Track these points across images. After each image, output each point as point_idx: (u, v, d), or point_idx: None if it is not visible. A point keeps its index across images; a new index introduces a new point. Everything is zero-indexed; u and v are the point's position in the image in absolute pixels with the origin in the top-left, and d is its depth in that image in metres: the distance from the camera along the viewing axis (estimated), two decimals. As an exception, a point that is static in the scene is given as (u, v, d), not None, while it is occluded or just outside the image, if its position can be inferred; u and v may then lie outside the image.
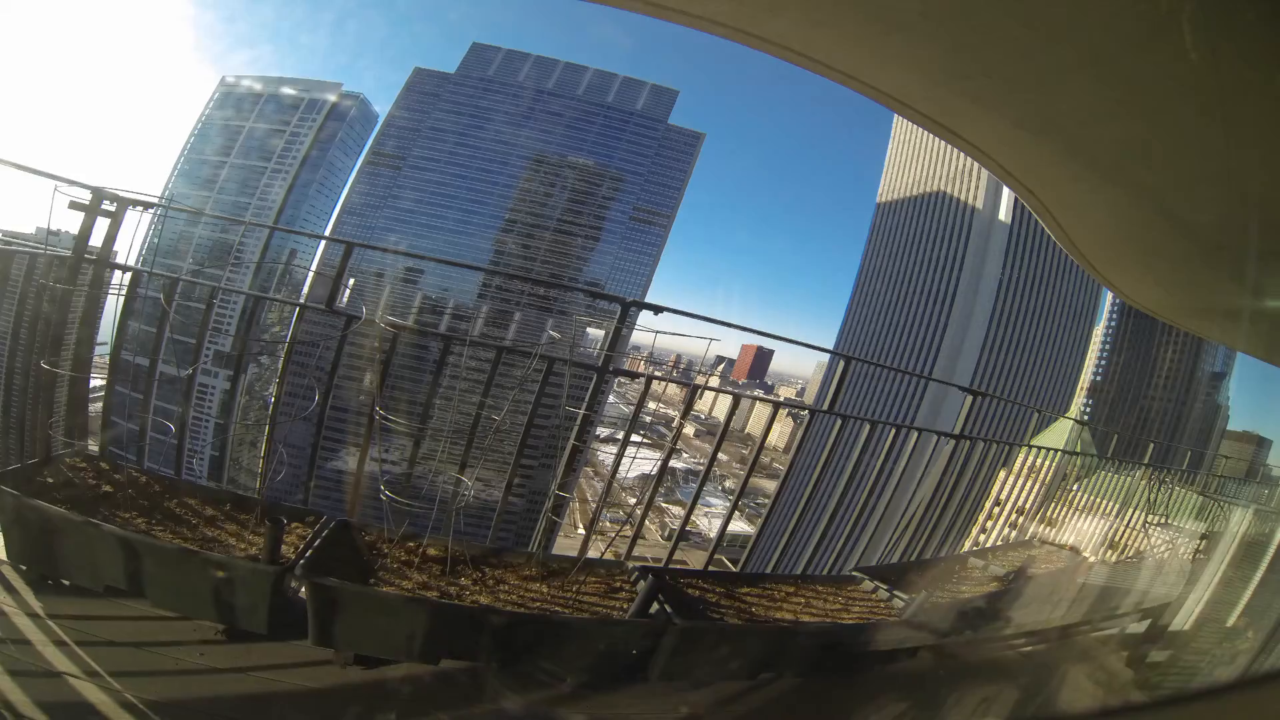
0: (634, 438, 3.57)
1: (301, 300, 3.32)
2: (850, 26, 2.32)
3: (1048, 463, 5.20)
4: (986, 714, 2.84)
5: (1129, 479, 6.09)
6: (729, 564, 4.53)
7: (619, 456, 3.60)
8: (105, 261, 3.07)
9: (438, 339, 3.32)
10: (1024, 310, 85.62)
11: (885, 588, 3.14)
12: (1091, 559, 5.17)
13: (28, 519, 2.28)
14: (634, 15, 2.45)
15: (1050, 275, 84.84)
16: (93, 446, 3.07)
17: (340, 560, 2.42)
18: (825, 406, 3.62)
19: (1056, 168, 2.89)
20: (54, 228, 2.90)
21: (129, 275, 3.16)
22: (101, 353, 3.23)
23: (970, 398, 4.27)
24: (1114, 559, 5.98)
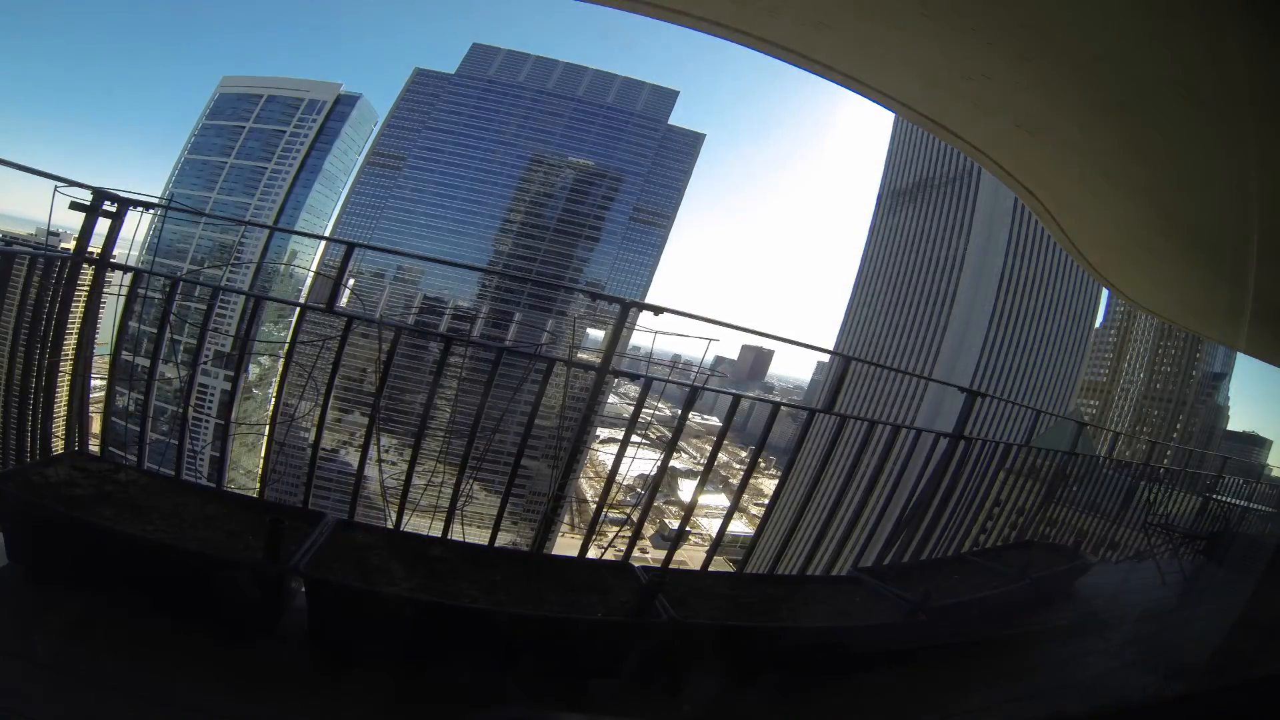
0: (633, 438, 3.57)
1: (301, 300, 3.32)
2: (850, 28, 2.32)
3: (1049, 463, 5.20)
4: (987, 714, 2.84)
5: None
6: (729, 564, 4.53)
7: (619, 457, 3.60)
8: (105, 261, 3.08)
9: (438, 339, 3.32)
10: (1024, 310, 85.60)
11: (885, 588, 3.14)
12: (1092, 559, 5.17)
13: (28, 519, 2.28)
14: (634, 15, 2.46)
15: (1050, 275, 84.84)
16: (93, 446, 3.07)
17: (340, 560, 2.42)
18: (825, 406, 3.62)
19: (1056, 168, 2.89)
20: (54, 228, 2.91)
21: (129, 275, 3.17)
22: (101, 353, 3.23)
23: (970, 398, 4.27)
24: (1115, 559, 5.98)
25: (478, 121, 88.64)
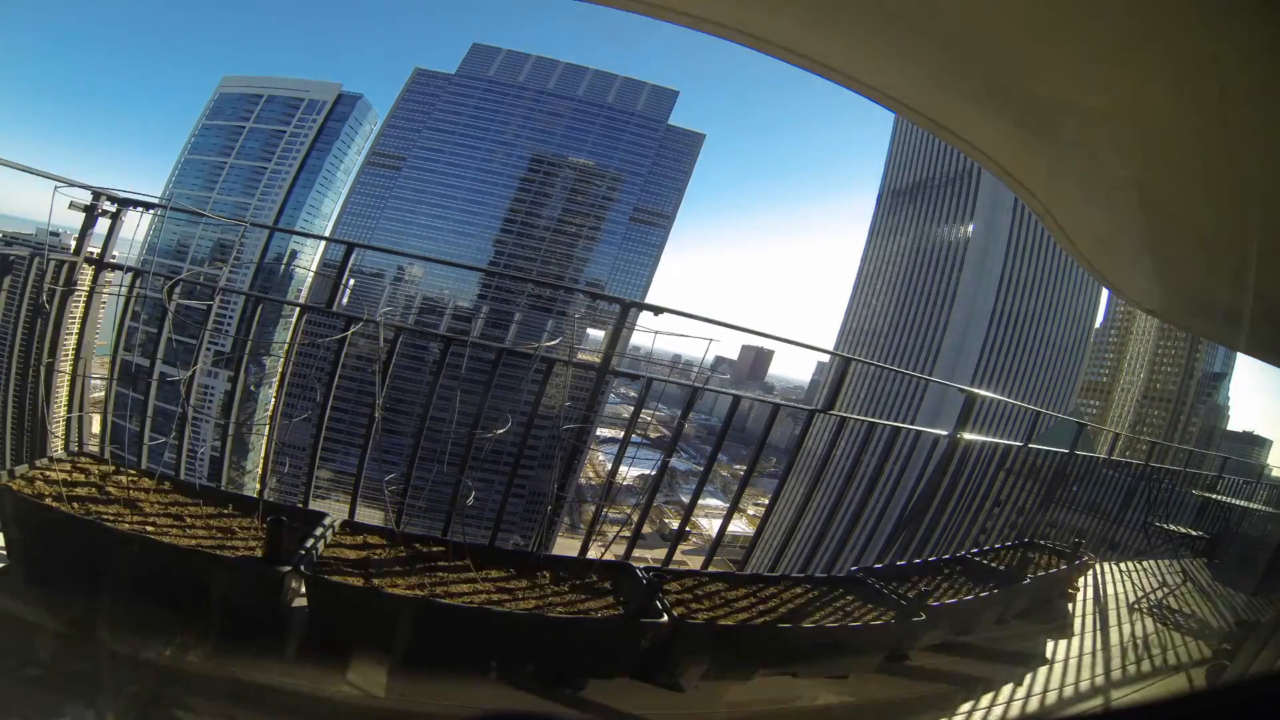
0: (633, 437, 3.57)
1: (301, 300, 3.32)
2: (851, 27, 2.32)
3: (1048, 463, 5.20)
4: (987, 714, 2.84)
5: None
6: (729, 564, 4.53)
7: (618, 457, 3.60)
8: (105, 261, 3.08)
9: (438, 339, 3.32)
10: (1024, 310, 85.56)
11: (886, 588, 3.14)
12: (1092, 559, 5.16)
13: (28, 519, 2.29)
14: (634, 15, 2.46)
15: (1050, 275, 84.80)
16: (93, 447, 3.07)
17: (340, 560, 2.42)
18: (824, 406, 3.62)
19: (1056, 168, 2.89)
20: (54, 228, 2.91)
21: (129, 275, 3.17)
22: (101, 353, 3.23)
23: (970, 398, 4.27)
24: (1115, 559, 5.98)
25: (478, 122, 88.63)
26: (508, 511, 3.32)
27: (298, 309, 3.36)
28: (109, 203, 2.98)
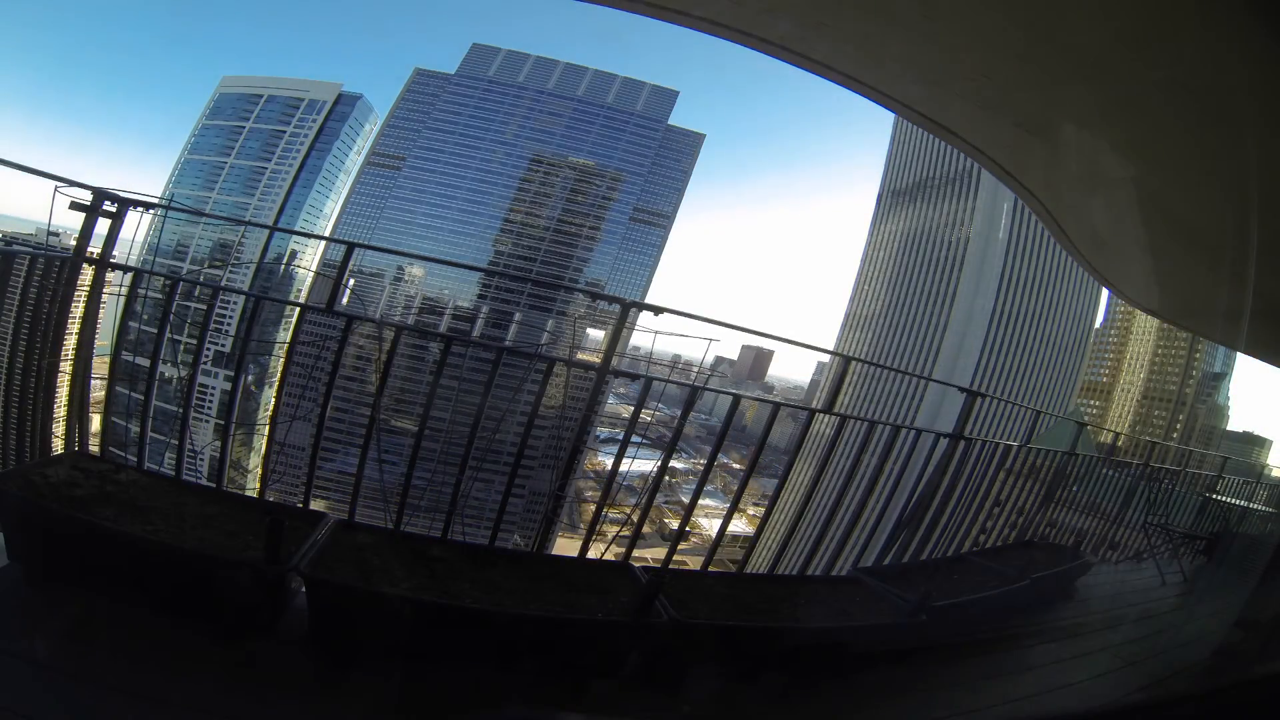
0: (633, 438, 3.56)
1: (301, 300, 3.32)
2: (850, 28, 2.32)
3: (1048, 463, 5.20)
4: (987, 714, 2.84)
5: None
6: (729, 564, 4.53)
7: (619, 457, 3.60)
8: (105, 261, 3.08)
9: (438, 339, 3.32)
10: (1024, 310, 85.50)
11: (885, 588, 3.14)
12: (1092, 559, 5.16)
13: (28, 519, 2.28)
14: (634, 15, 2.46)
15: (1050, 275, 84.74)
16: (93, 447, 3.07)
17: (340, 560, 2.42)
18: (824, 406, 3.62)
19: (1056, 168, 2.89)
20: (54, 228, 2.91)
21: (129, 275, 3.17)
22: (101, 353, 3.23)
23: (970, 398, 4.28)
24: (1115, 559, 5.98)
25: (478, 121, 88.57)
26: (508, 511, 3.32)
27: (298, 309, 3.36)
28: (109, 202, 2.97)
